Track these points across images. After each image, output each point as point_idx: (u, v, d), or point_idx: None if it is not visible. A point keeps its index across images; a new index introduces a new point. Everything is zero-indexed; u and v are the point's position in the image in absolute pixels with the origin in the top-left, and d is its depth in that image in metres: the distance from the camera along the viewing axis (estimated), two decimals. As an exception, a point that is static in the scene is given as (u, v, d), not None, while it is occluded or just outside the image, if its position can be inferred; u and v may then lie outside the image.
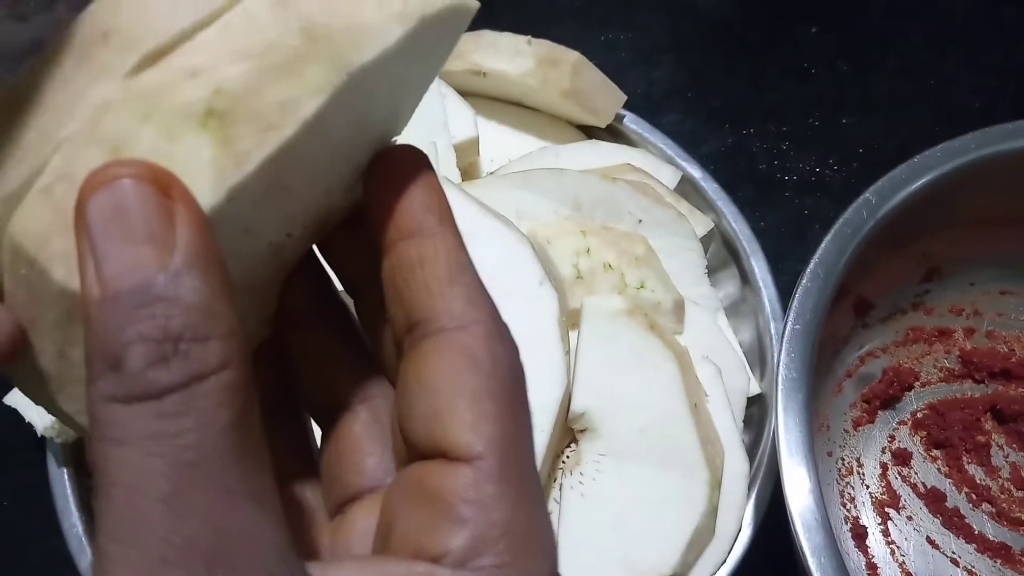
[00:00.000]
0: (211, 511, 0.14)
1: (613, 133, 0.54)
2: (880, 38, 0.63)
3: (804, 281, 0.40)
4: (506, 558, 0.17)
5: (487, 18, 0.62)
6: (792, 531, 0.35)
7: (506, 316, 0.42)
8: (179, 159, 0.16)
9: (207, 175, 0.16)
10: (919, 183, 0.43)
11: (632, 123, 0.54)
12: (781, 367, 0.37)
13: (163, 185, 0.15)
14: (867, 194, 0.42)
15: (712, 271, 0.50)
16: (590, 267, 0.44)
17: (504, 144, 0.52)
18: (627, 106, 0.53)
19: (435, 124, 0.46)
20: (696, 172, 0.52)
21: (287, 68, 0.17)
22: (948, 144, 0.44)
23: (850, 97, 0.61)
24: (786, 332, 0.38)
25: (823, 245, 0.41)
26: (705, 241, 0.50)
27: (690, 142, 0.54)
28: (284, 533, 0.15)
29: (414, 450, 0.19)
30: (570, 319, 0.43)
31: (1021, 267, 0.49)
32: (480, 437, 0.17)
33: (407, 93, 0.22)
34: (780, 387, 0.37)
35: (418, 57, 0.20)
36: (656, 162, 0.52)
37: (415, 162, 0.20)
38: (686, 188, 0.52)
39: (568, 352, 0.41)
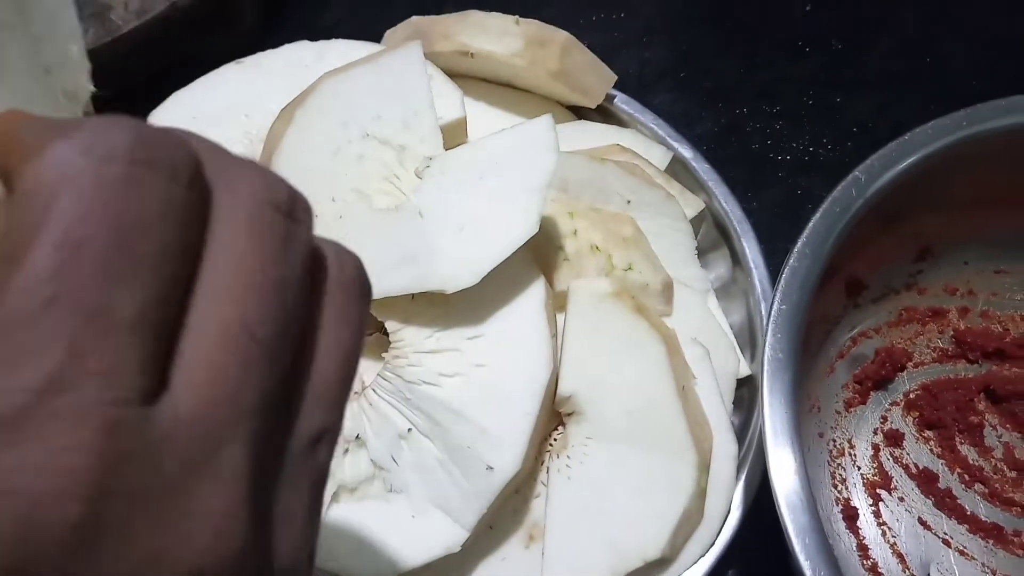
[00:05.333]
0: None
1: (604, 114, 0.53)
2: (875, 15, 0.62)
3: (791, 261, 0.39)
4: None
5: (478, 5, 0.62)
6: (777, 512, 0.35)
7: (492, 299, 0.42)
8: None
9: None
10: (910, 161, 0.42)
11: (623, 103, 0.53)
12: (767, 348, 0.37)
13: None
14: (856, 172, 0.42)
15: (703, 252, 0.49)
16: (577, 249, 0.43)
17: (493, 125, 0.51)
18: (619, 87, 0.53)
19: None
20: (687, 152, 0.51)
21: None
22: (939, 121, 0.43)
23: (845, 75, 0.60)
24: (772, 313, 0.38)
25: (811, 225, 0.40)
26: (696, 222, 0.49)
27: (683, 123, 0.53)
28: None
29: None
30: (557, 301, 0.42)
31: (1015, 246, 0.49)
32: None
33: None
34: (766, 368, 0.37)
35: None
36: (646, 142, 0.51)
37: None
38: (677, 168, 0.51)
39: (555, 335, 0.40)
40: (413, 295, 0.40)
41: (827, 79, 0.60)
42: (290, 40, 0.52)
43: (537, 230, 0.39)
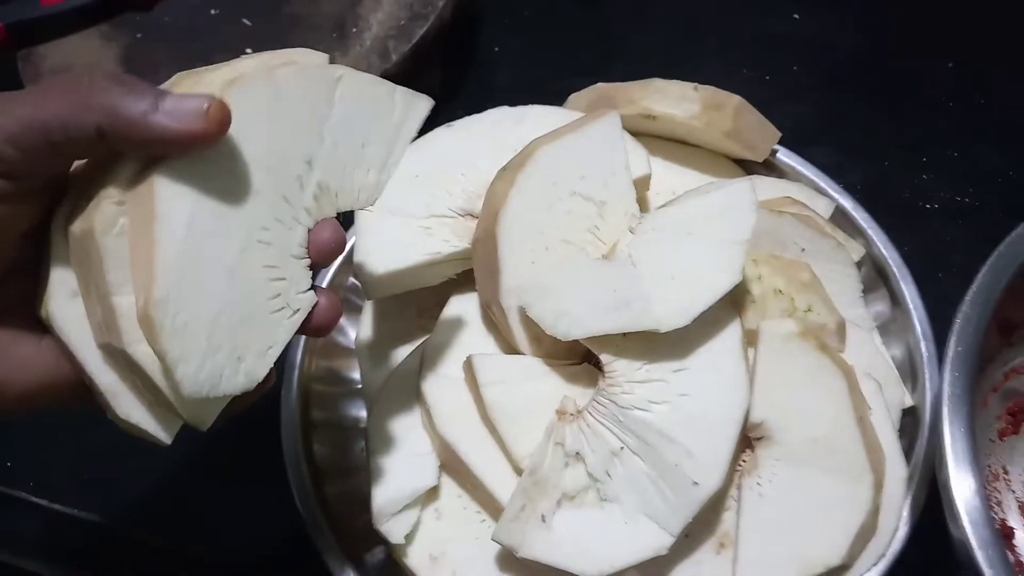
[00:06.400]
0: None
1: (767, 166, 0.59)
2: (1014, 71, 0.67)
3: (964, 308, 0.45)
4: None
5: (638, 65, 0.67)
6: (959, 528, 0.40)
7: (696, 337, 0.48)
8: None
9: None
10: (1067, 218, 0.47)
11: (785, 157, 0.59)
12: (946, 385, 0.43)
13: None
14: (1020, 229, 0.47)
15: (863, 293, 0.55)
16: (762, 292, 0.49)
17: (670, 178, 0.58)
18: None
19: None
20: (847, 202, 0.57)
21: None
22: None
23: (986, 129, 0.65)
24: (950, 354, 0.43)
25: (981, 275, 0.46)
26: (857, 266, 0.55)
27: (836, 173, 0.59)
28: None
29: None
30: (747, 339, 0.48)
31: None
32: None
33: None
34: (946, 403, 0.42)
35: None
36: (811, 194, 0.57)
37: None
38: (836, 216, 0.57)
39: (748, 369, 0.47)
40: (625, 333, 0.47)
41: (970, 133, 0.65)
42: (470, 99, 0.59)
43: (740, 279, 0.45)
